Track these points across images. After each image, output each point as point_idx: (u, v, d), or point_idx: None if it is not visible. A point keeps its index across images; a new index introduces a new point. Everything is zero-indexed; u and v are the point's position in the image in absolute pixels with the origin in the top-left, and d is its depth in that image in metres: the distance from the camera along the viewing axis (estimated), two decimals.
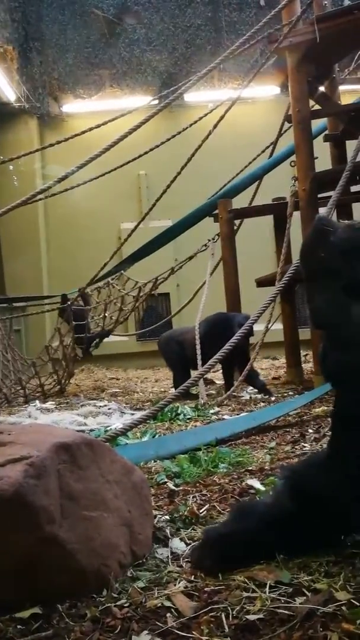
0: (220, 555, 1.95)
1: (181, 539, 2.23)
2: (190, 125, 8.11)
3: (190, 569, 1.98)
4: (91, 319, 9.43)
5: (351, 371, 1.88)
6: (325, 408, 5.00)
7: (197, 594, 1.79)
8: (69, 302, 8.84)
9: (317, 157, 6.81)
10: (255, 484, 2.90)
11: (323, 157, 7.79)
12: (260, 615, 1.61)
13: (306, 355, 8.66)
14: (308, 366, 8.14)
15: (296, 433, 4.27)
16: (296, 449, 3.78)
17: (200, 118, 8.30)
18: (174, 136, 7.93)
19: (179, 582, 1.88)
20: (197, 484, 3.04)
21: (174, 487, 2.97)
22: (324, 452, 2.13)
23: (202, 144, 8.17)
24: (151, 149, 7.95)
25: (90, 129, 7.39)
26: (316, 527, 1.94)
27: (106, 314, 9.52)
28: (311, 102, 7.18)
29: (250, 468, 3.29)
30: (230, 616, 1.63)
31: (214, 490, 2.88)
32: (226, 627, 1.58)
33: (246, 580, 1.83)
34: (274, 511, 2.00)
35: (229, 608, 1.66)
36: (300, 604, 1.64)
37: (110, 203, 14.51)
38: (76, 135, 7.30)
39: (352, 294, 1.81)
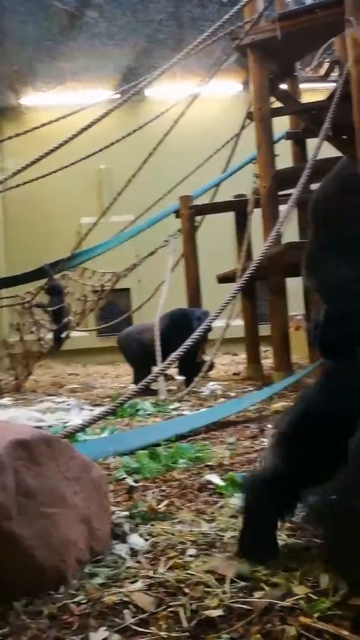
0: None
1: (140, 535, 2.22)
2: (152, 120, 8.10)
3: (150, 565, 1.97)
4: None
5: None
6: (285, 404, 5.04)
7: (155, 589, 1.78)
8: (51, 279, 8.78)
9: (278, 155, 6.86)
10: (215, 479, 2.90)
11: (284, 155, 7.85)
12: (219, 610, 1.61)
13: (266, 351, 8.72)
14: (268, 362, 8.20)
15: (255, 428, 4.30)
16: (255, 444, 3.80)
17: (162, 113, 8.29)
18: (135, 131, 7.91)
19: (137, 578, 1.86)
20: (157, 480, 3.03)
21: (133, 483, 2.96)
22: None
23: (164, 138, 8.17)
24: (112, 143, 7.92)
25: (50, 122, 7.33)
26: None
27: (73, 311, 9.42)
28: (273, 100, 7.23)
29: (209, 463, 3.29)
30: (189, 611, 1.62)
31: (173, 486, 2.89)
32: (185, 622, 1.58)
33: (206, 574, 1.82)
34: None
35: (187, 603, 1.66)
36: (258, 598, 1.64)
37: (70, 197, 14.41)
38: (35, 128, 7.24)
39: None
